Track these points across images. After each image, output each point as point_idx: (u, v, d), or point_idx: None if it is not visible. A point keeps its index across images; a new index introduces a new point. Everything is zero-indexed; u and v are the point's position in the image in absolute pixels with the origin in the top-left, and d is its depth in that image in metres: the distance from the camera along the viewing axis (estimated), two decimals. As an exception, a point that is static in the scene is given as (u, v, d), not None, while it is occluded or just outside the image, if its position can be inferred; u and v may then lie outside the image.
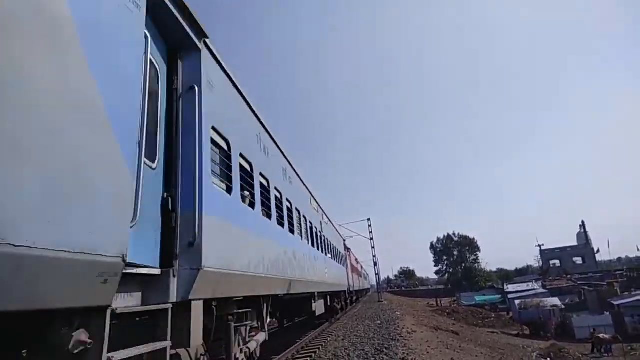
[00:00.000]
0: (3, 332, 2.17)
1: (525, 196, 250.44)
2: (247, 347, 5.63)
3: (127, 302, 3.07)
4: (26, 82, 2.00)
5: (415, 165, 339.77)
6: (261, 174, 6.65)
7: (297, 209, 9.89)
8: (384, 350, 10.77)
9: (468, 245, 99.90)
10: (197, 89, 4.30)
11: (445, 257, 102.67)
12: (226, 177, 5.07)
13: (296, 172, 10.54)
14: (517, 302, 46.11)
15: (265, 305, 6.79)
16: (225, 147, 5.09)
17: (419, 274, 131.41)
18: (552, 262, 79.50)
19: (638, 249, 72.87)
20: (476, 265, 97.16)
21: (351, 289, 25.56)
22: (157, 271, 3.47)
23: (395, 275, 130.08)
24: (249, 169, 6.01)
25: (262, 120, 7.19)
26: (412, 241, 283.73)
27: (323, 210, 15.65)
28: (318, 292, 12.81)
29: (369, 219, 38.76)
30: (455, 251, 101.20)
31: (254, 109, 6.68)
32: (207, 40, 4.70)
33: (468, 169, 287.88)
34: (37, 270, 1.95)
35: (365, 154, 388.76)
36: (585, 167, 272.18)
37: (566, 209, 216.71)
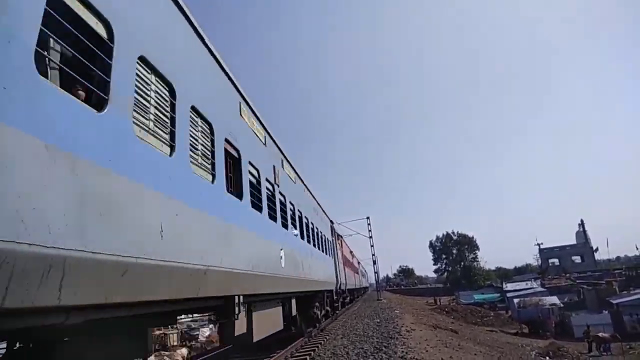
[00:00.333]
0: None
1: (524, 195, 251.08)
2: None
3: None
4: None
5: (415, 165, 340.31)
6: None
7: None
8: (383, 348, 10.75)
9: (467, 243, 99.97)
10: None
11: (444, 256, 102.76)
12: None
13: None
14: (515, 300, 46.11)
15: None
16: None
17: (418, 273, 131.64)
18: (551, 260, 79.57)
19: (637, 248, 72.72)
20: (475, 263, 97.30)
21: (342, 287, 20.39)
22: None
23: (394, 274, 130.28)
24: None
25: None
26: (411, 240, 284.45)
27: (298, 174, 11.33)
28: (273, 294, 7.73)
29: (368, 218, 38.77)
30: (454, 250, 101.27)
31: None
32: None
33: (468, 169, 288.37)
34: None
35: (365, 154, 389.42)
36: (585, 166, 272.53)
37: (565, 208, 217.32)
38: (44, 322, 2.46)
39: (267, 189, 7.61)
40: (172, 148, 3.85)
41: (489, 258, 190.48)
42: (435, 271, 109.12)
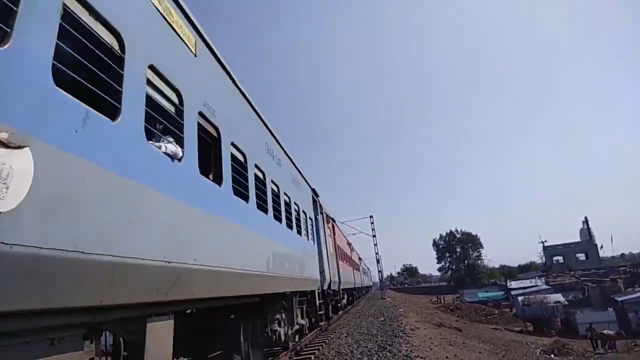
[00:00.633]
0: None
1: (528, 193, 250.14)
2: None
3: None
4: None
5: (416, 165, 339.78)
6: None
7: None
8: (387, 347, 10.77)
9: (471, 242, 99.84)
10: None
11: (448, 254, 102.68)
12: None
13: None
14: (520, 298, 46.04)
15: None
16: None
17: (421, 271, 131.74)
18: (555, 258, 79.33)
19: (642, 245, 72.43)
20: (479, 262, 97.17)
21: (334, 287, 15.33)
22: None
23: (398, 273, 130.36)
24: None
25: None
26: (414, 238, 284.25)
27: (267, 126, 7.60)
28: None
29: (371, 216, 38.71)
30: (458, 248, 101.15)
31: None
32: None
33: (470, 167, 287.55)
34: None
35: (366, 154, 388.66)
36: (589, 163, 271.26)
37: (569, 205, 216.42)
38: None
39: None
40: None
41: (493, 256, 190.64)
42: (439, 269, 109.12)
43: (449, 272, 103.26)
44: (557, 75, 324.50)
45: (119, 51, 3.00)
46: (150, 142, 3.29)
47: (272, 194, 7.09)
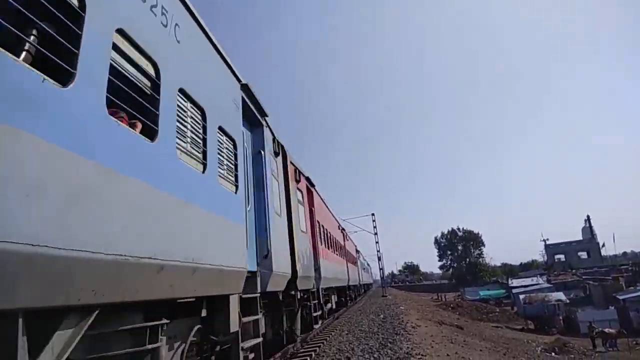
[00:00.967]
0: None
1: (530, 192, 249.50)
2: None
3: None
4: None
5: (416, 164, 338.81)
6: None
7: None
8: (389, 344, 10.79)
9: (472, 240, 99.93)
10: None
11: (449, 252, 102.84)
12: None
13: None
14: (521, 296, 46.07)
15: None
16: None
17: (423, 269, 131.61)
18: (557, 256, 79.33)
19: (644, 244, 72.31)
20: (480, 260, 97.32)
21: (305, 285, 9.69)
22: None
23: (400, 270, 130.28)
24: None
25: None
26: (416, 236, 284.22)
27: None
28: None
29: (372, 214, 38.75)
30: (459, 246, 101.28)
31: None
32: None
33: (471, 166, 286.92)
34: None
35: (366, 154, 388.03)
36: (591, 162, 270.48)
37: (571, 203, 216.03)
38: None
39: None
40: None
41: (494, 254, 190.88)
42: (441, 267, 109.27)
43: (451, 270, 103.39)
44: (557, 75, 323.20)
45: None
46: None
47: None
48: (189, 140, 3.84)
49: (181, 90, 3.75)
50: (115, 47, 2.80)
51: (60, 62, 2.28)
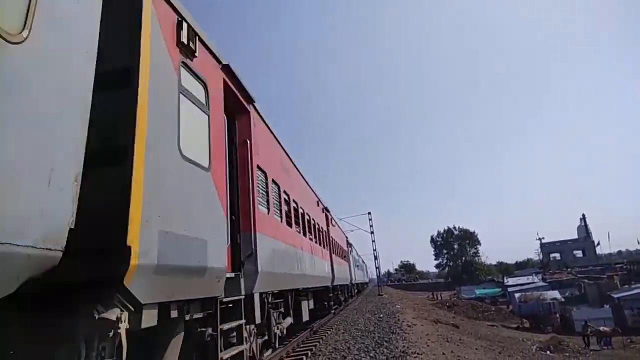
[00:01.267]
0: None
1: (525, 190, 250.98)
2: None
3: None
4: None
5: (415, 164, 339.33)
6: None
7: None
8: (384, 343, 10.79)
9: (468, 238, 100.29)
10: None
11: (445, 251, 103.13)
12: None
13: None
14: (517, 295, 46.26)
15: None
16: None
17: (419, 268, 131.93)
18: (552, 255, 79.63)
19: (639, 242, 72.83)
20: (476, 258, 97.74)
21: (243, 289, 5.63)
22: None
23: (396, 269, 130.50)
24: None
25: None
26: (412, 235, 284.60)
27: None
28: None
29: (369, 213, 38.65)
30: (455, 245, 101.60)
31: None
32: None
33: (468, 166, 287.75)
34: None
35: (366, 154, 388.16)
36: (586, 161, 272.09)
37: (566, 202, 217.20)
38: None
39: None
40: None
41: (490, 253, 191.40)
42: (437, 266, 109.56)
43: (446, 268, 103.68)
44: (556, 75, 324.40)
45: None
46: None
47: None
48: None
49: None
50: None
51: None
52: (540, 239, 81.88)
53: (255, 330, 6.34)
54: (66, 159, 2.34)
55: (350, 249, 28.36)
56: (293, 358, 8.97)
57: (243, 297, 5.53)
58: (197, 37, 4.48)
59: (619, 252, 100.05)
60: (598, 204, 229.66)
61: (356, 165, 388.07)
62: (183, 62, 4.17)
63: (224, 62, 5.51)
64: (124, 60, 3.30)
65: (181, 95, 4.02)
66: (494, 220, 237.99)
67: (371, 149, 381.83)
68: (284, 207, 8.90)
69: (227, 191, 5.39)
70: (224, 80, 5.56)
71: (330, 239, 18.20)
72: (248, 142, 6.47)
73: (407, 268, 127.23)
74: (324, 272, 14.10)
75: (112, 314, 2.71)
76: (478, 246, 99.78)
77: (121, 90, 3.21)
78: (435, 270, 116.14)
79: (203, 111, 4.61)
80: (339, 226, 24.81)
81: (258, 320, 6.21)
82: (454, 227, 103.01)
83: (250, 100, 6.82)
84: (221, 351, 4.63)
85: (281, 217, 8.45)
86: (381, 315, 18.11)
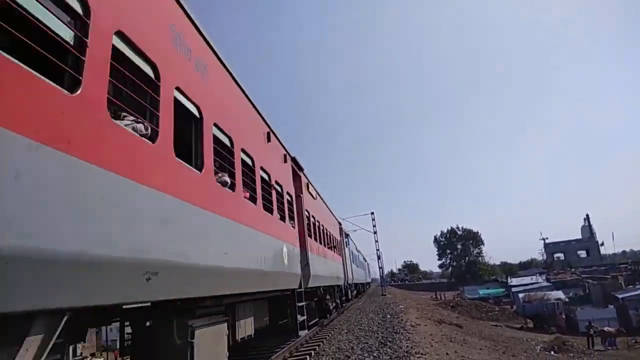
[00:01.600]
0: None
1: (529, 190, 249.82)
2: None
3: None
4: None
5: (416, 163, 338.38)
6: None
7: None
8: (388, 343, 10.78)
9: (472, 238, 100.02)
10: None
11: (448, 251, 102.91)
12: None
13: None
14: (520, 295, 46.13)
15: None
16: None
17: (422, 268, 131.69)
18: (556, 255, 79.40)
19: (643, 242, 72.53)
20: (480, 258, 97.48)
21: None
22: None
23: (399, 269, 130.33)
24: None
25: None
26: (415, 235, 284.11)
27: None
28: None
29: (372, 213, 38.60)
30: (458, 245, 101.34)
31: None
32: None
33: (471, 165, 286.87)
34: None
35: (366, 154, 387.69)
36: (590, 161, 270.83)
37: (570, 202, 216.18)
38: None
39: None
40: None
41: (493, 253, 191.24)
42: (440, 266, 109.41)
43: (450, 268, 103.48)
44: (557, 75, 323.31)
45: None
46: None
47: None
48: None
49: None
50: None
51: None
52: (544, 239, 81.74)
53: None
54: None
55: (346, 239, 23.95)
56: (297, 357, 8.99)
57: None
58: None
59: (623, 252, 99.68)
60: (602, 204, 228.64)
61: (356, 164, 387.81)
62: None
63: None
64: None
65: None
66: (497, 221, 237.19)
67: (371, 149, 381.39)
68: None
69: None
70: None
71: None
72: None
73: (410, 268, 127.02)
74: (293, 269, 9.19)
75: None
76: (481, 246, 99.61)
77: None
78: (438, 270, 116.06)
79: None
80: (330, 209, 17.83)
81: None
82: (458, 227, 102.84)
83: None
84: None
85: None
86: (385, 315, 18.11)
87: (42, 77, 2.32)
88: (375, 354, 9.46)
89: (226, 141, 5.60)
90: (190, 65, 4.61)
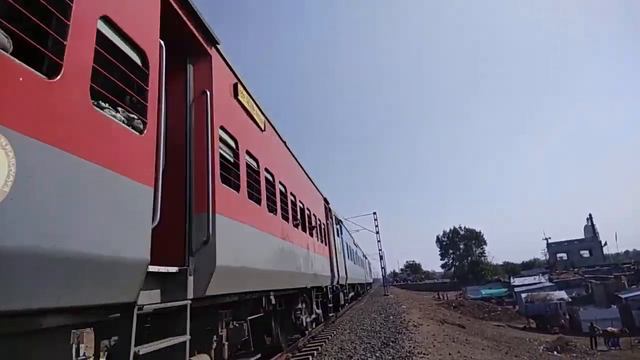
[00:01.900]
0: None
1: (532, 190, 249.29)
2: None
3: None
4: None
5: (416, 163, 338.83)
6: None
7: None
8: (390, 343, 10.80)
9: (474, 238, 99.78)
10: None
11: (451, 251, 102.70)
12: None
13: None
14: (523, 295, 45.97)
15: None
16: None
17: (425, 268, 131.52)
18: (559, 255, 79.08)
19: (646, 242, 72.24)
20: (482, 258, 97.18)
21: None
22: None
23: (401, 269, 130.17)
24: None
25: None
26: (418, 235, 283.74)
27: None
28: None
29: (374, 213, 38.60)
30: (461, 245, 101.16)
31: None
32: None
33: (473, 165, 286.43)
34: None
35: (366, 154, 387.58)
36: (591, 161, 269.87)
37: (573, 202, 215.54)
38: None
39: None
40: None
41: (496, 253, 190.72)
42: (443, 266, 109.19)
43: (452, 268, 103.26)
44: (557, 75, 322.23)
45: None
46: None
47: None
48: None
49: None
50: None
51: None
52: (546, 239, 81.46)
53: None
54: None
55: (339, 228, 19.13)
56: (299, 357, 9.02)
57: None
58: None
59: (626, 252, 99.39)
60: (605, 204, 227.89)
61: (357, 164, 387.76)
62: None
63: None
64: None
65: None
66: (500, 220, 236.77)
67: (371, 149, 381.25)
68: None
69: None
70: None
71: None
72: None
73: (412, 268, 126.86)
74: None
75: None
76: (484, 246, 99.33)
77: None
78: (441, 270, 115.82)
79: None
80: (315, 185, 13.31)
81: None
82: (460, 227, 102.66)
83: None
84: None
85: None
86: (387, 315, 18.12)
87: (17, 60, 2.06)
88: (377, 354, 9.48)
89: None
90: None
